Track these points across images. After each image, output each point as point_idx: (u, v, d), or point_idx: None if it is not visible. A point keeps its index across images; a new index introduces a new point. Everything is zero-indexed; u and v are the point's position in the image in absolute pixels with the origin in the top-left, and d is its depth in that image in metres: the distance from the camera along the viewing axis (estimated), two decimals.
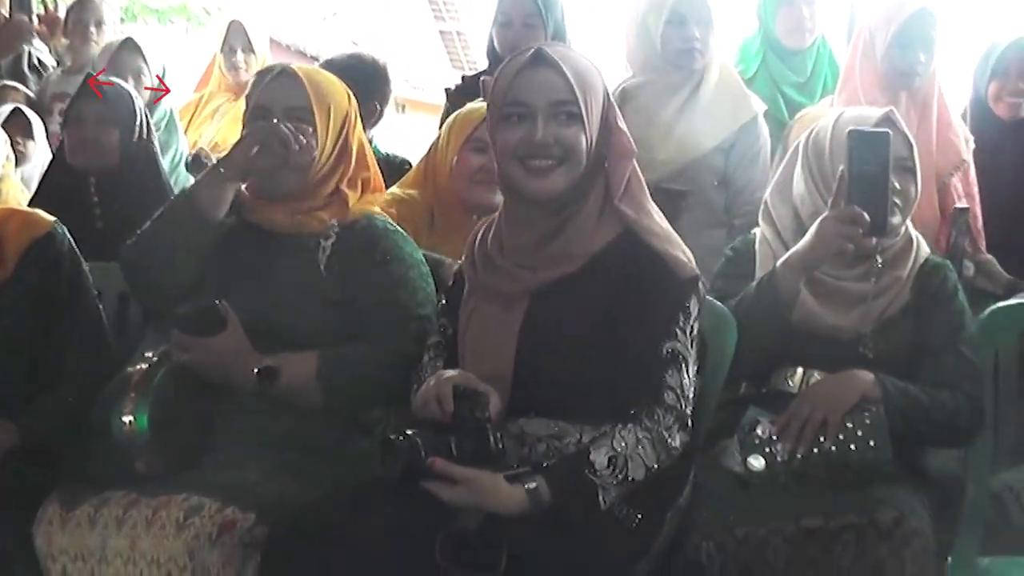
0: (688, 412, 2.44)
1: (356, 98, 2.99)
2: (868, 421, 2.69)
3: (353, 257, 2.80)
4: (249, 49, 5.30)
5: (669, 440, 2.40)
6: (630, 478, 2.36)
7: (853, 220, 2.65)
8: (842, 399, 2.70)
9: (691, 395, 2.45)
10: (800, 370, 2.83)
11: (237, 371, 2.69)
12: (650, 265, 2.47)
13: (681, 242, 2.54)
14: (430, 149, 3.54)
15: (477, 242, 2.66)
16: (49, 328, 2.95)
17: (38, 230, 2.96)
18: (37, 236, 2.95)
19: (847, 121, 2.86)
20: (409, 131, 7.15)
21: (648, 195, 2.59)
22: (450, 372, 2.48)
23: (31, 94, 5.22)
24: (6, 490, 2.70)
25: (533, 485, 2.33)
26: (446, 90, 4.70)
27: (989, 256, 3.63)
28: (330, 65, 4.15)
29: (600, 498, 2.34)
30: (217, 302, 2.65)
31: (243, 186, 2.91)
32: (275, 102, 2.84)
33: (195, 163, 4.47)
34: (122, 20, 6.60)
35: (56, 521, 2.61)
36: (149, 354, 2.68)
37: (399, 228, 2.91)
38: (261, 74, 2.95)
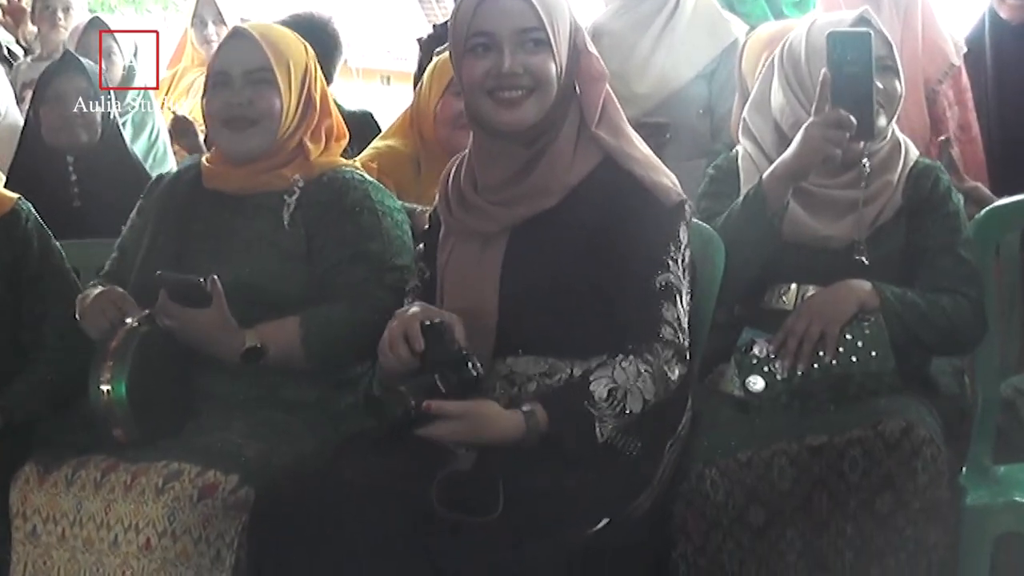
0: (686, 344, 2.42)
1: None
2: (868, 331, 2.67)
3: (320, 211, 2.79)
4: (220, 21, 5.26)
5: (668, 374, 2.39)
6: (628, 411, 2.34)
7: (839, 124, 2.62)
8: (839, 310, 2.68)
9: (686, 326, 2.43)
10: (794, 286, 2.81)
11: (222, 347, 2.68)
12: (634, 194, 2.44)
13: (664, 167, 2.51)
14: (414, 98, 3.54)
15: (450, 181, 2.62)
16: (22, 307, 2.93)
17: (1, 209, 2.95)
18: (1, 214, 2.93)
19: (822, 26, 2.83)
20: (396, 103, 7.09)
21: (626, 120, 2.57)
22: (412, 309, 2.44)
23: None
24: None
25: (529, 408, 2.31)
26: (418, 40, 4.62)
27: (975, 183, 3.56)
28: None
29: (597, 430, 2.32)
30: (201, 279, 2.63)
31: (204, 157, 2.93)
32: (233, 65, 2.83)
33: (177, 125, 4.42)
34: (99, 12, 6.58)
35: (33, 481, 2.59)
36: (129, 320, 2.66)
37: (368, 177, 2.89)
38: (221, 40, 2.95)
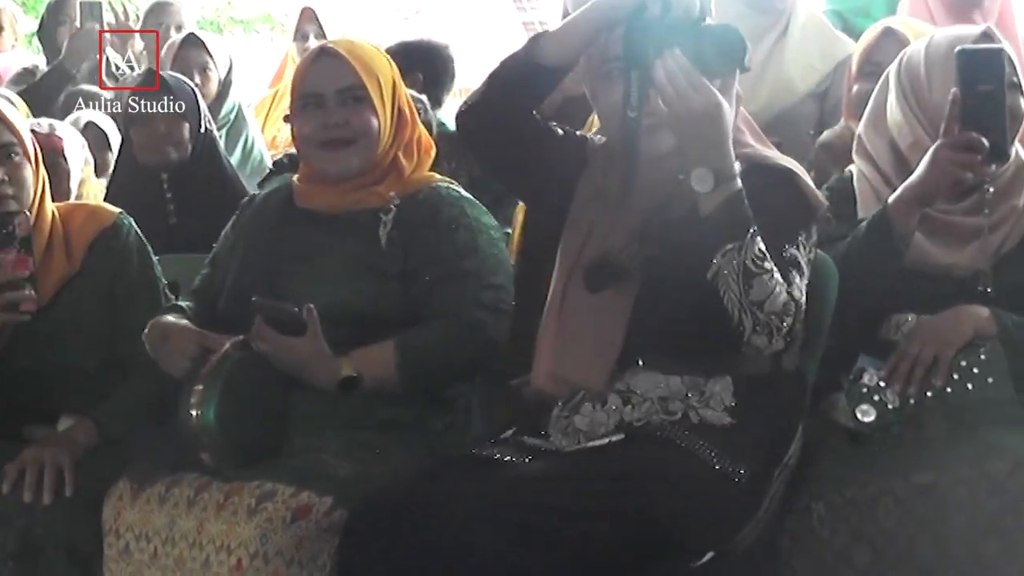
0: (798, 325, 2.40)
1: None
2: (983, 357, 2.61)
3: (416, 229, 2.78)
4: (322, 35, 5.29)
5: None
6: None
7: (970, 146, 2.56)
8: (954, 335, 2.62)
9: (802, 312, 2.41)
10: (911, 317, 2.74)
11: (317, 376, 2.68)
12: (780, 181, 2.46)
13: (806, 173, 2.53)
14: None
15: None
16: (120, 321, 2.94)
17: (103, 222, 2.97)
18: (103, 228, 2.96)
19: (941, 42, 2.79)
20: None
21: (758, 131, 2.59)
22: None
23: (107, 98, 5.24)
24: (80, 478, 2.70)
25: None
26: None
27: None
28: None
29: None
30: (297, 308, 2.64)
31: (295, 176, 2.94)
32: (325, 85, 2.82)
33: (277, 167, 4.42)
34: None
35: (127, 497, 2.60)
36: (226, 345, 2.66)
37: (464, 193, 2.88)
38: (302, 60, 2.95)
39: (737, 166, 2.36)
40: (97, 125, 4.47)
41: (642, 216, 2.47)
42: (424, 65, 4.41)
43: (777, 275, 2.32)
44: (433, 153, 2.96)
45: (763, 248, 2.32)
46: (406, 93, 2.93)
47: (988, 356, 2.61)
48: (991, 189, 2.71)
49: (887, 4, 4.34)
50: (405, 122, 2.88)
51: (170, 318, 2.79)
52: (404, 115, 2.87)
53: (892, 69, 2.88)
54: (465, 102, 2.56)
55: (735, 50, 2.34)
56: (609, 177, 2.56)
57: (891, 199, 2.68)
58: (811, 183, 2.50)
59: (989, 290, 2.72)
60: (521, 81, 2.49)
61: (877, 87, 2.93)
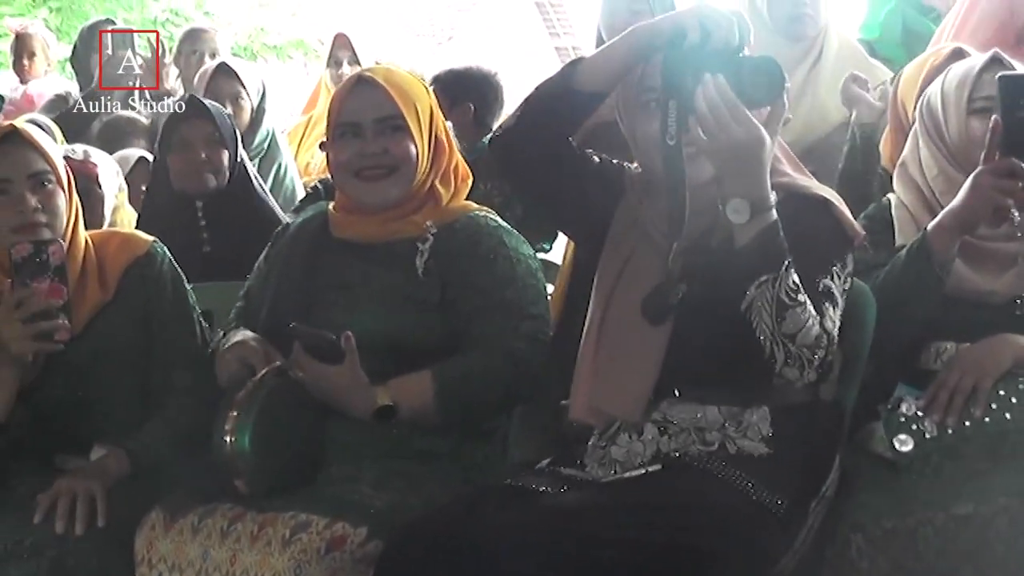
0: (830, 358, 2.40)
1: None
2: (1022, 387, 2.59)
3: (454, 258, 2.77)
4: (355, 62, 5.30)
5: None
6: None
7: (1012, 173, 2.55)
8: (993, 364, 2.61)
9: (834, 344, 2.41)
10: (951, 345, 2.73)
11: (353, 405, 2.68)
12: (817, 211, 2.46)
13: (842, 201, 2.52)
14: None
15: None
16: (154, 349, 2.94)
17: (137, 250, 2.96)
18: (137, 256, 2.95)
19: (953, 77, 2.81)
20: None
21: (794, 158, 2.59)
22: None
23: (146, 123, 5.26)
24: (113, 508, 2.70)
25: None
26: None
27: None
28: (436, 81, 4.28)
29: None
30: (335, 336, 2.64)
31: (330, 205, 2.92)
32: (363, 114, 2.82)
33: (312, 194, 4.43)
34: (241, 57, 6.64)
35: (159, 528, 2.58)
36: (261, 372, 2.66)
37: (502, 223, 2.87)
38: (339, 88, 2.94)
39: (773, 196, 2.35)
40: (147, 160, 4.45)
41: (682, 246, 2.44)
42: (475, 94, 4.44)
43: (810, 307, 2.32)
44: (470, 182, 2.95)
45: (797, 280, 2.31)
46: (443, 121, 2.92)
47: None
48: (1017, 215, 2.64)
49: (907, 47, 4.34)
50: (443, 150, 2.87)
51: (242, 332, 2.81)
52: (441, 143, 2.86)
53: (918, 108, 2.91)
54: (500, 126, 2.55)
55: (774, 80, 2.33)
56: (646, 207, 2.55)
57: (930, 226, 2.67)
58: (847, 212, 2.49)
59: None
60: (557, 107, 2.47)
61: (917, 120, 2.94)
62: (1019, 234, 2.70)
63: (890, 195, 2.94)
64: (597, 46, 4.15)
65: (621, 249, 2.57)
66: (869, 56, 4.11)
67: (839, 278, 2.43)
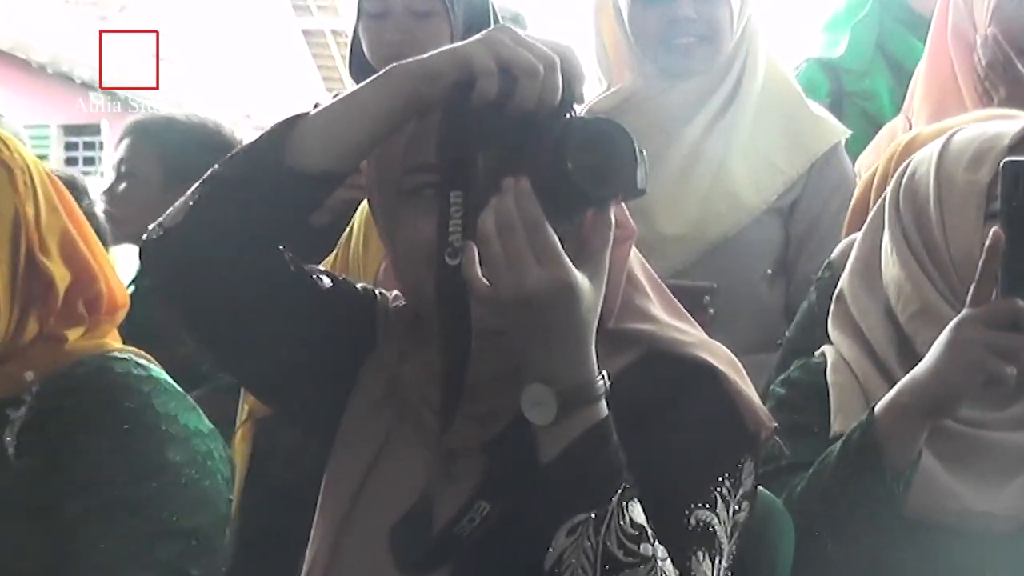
0: None
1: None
2: None
3: (65, 429, 2.18)
4: None
5: None
6: None
7: (1016, 321, 2.01)
8: None
9: None
10: None
11: None
12: (697, 386, 1.91)
13: (743, 370, 1.96)
14: (339, 251, 2.91)
15: None
16: None
17: None
18: None
19: (964, 149, 2.24)
20: None
21: (665, 290, 2.02)
22: None
23: None
24: None
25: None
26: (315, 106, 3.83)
27: None
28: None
29: None
30: None
31: None
32: None
33: None
34: None
35: None
36: None
37: (155, 372, 2.28)
38: None
39: (637, 353, 1.87)
40: None
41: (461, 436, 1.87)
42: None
43: (666, 566, 1.75)
44: (123, 312, 2.35)
45: (641, 518, 1.74)
46: (79, 220, 2.30)
47: None
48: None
49: (891, 73, 3.69)
50: (44, 276, 2.24)
51: None
52: (40, 266, 2.24)
53: (889, 192, 2.35)
54: (159, 224, 1.88)
55: (619, 160, 1.69)
56: (410, 364, 1.92)
57: (879, 405, 2.10)
58: (749, 385, 1.89)
59: None
60: (257, 200, 1.82)
61: (868, 220, 2.39)
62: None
63: (825, 348, 2.34)
64: (355, 65, 3.42)
65: (367, 435, 1.95)
66: (824, 90, 3.55)
67: (727, 502, 1.86)
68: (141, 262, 1.93)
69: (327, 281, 1.97)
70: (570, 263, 1.69)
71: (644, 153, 1.70)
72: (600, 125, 1.70)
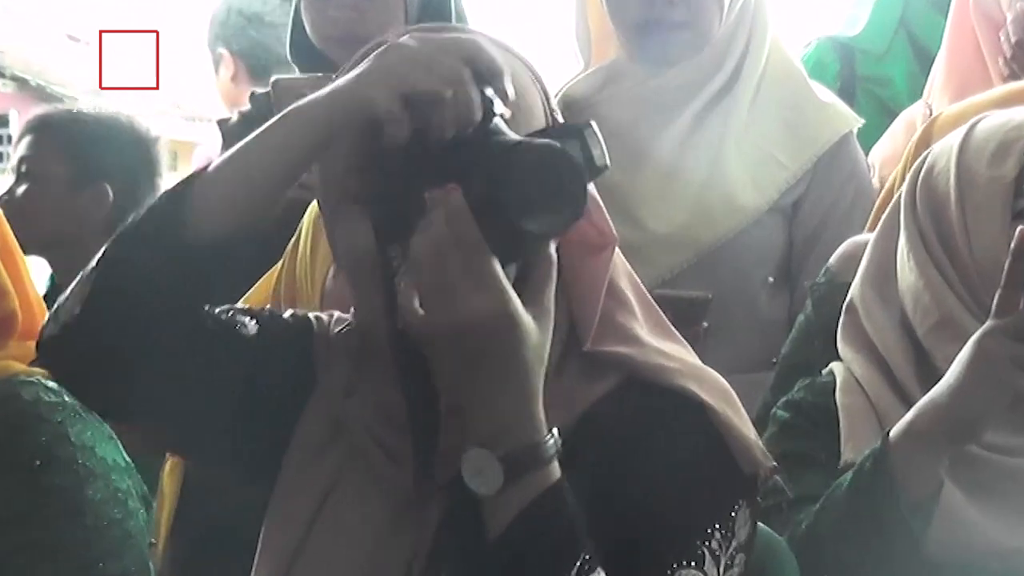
0: None
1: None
2: None
3: None
4: None
5: None
6: None
7: None
8: None
9: None
10: None
11: None
12: (683, 422, 1.80)
13: (738, 401, 1.83)
14: (285, 262, 2.76)
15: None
16: None
17: None
18: None
19: (988, 138, 2.15)
20: None
21: (652, 304, 1.90)
22: None
23: None
24: None
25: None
26: (219, 123, 3.58)
27: None
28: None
29: None
30: None
31: None
32: None
33: None
34: None
35: None
36: None
37: (69, 400, 2.17)
38: None
39: (617, 379, 1.77)
40: None
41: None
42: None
43: None
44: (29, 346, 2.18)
45: None
46: None
47: None
48: None
49: (913, 56, 3.56)
50: None
51: None
52: None
53: (904, 191, 2.24)
54: (54, 318, 1.78)
55: (562, 193, 1.59)
56: (359, 397, 1.81)
57: (895, 430, 2.03)
58: (743, 419, 1.76)
59: None
60: (161, 280, 1.72)
61: (881, 222, 2.27)
62: None
63: (834, 365, 2.22)
64: (295, 49, 3.24)
65: (310, 483, 1.82)
66: (835, 71, 3.45)
67: (718, 558, 1.77)
68: (40, 359, 1.82)
69: (252, 326, 1.84)
70: (512, 291, 1.58)
71: (594, 125, 1.59)
72: (543, 154, 1.58)
